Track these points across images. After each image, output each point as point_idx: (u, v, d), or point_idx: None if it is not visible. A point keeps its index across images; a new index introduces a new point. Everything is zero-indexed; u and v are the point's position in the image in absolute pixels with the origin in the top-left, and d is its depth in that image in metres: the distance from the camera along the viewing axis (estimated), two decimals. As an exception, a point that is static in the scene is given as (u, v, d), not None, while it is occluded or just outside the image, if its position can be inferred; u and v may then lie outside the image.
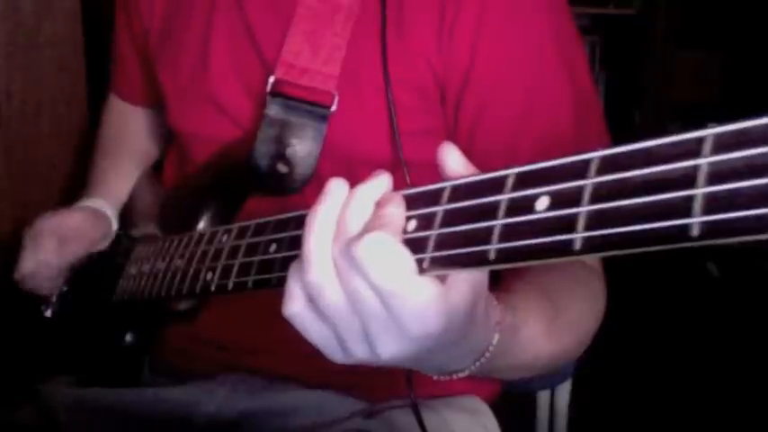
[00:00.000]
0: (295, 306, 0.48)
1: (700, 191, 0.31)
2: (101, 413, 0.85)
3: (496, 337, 0.53)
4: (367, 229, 0.45)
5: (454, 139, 0.76)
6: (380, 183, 0.48)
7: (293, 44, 0.76)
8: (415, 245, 0.44)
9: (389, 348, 0.45)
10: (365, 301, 0.44)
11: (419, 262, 0.43)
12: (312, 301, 0.47)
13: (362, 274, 0.43)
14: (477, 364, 0.54)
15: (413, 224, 0.45)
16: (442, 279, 0.45)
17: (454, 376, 0.55)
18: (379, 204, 0.46)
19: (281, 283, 0.54)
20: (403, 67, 0.74)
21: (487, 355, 0.53)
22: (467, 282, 0.45)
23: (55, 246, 0.91)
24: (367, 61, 0.75)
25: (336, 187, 0.48)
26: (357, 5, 0.75)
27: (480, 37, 0.71)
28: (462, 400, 0.90)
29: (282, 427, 0.82)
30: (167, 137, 1.04)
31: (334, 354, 0.49)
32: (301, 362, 0.87)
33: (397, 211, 0.46)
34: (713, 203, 0.31)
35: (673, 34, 3.26)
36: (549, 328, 0.61)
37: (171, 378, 0.90)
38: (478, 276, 0.46)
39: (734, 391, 2.02)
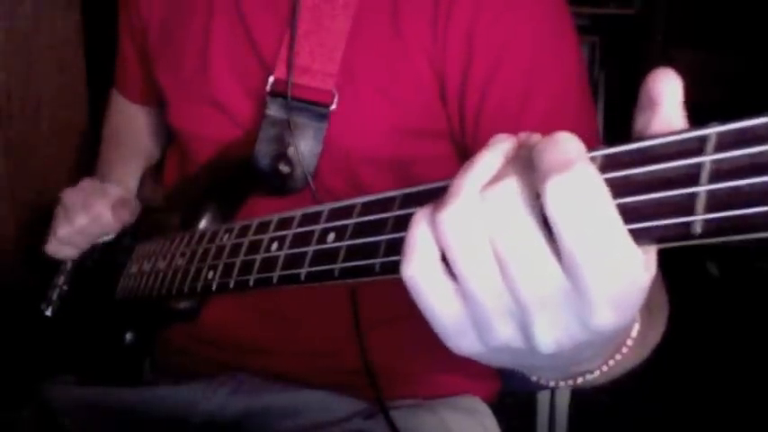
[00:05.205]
0: (414, 264, 0.35)
1: (703, 188, 0.31)
2: (101, 413, 0.85)
3: (636, 327, 0.44)
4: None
5: (462, 133, 0.76)
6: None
7: (292, 44, 0.76)
8: None
9: (553, 335, 0.33)
10: (540, 262, 0.32)
11: None
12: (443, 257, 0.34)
13: (557, 215, 0.31)
14: (612, 362, 0.44)
15: None
16: None
17: (579, 380, 0.44)
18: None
19: (282, 281, 0.54)
20: (401, 65, 0.74)
21: (624, 350, 0.44)
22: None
23: (107, 203, 0.88)
24: (365, 59, 0.75)
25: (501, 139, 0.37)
26: (355, 4, 0.75)
27: (476, 29, 0.71)
28: (461, 399, 0.90)
29: (282, 427, 0.82)
30: (168, 136, 1.04)
31: (461, 339, 0.36)
32: (302, 362, 0.87)
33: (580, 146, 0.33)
34: (716, 201, 0.31)
35: (673, 34, 3.26)
36: (644, 329, 0.50)
37: (172, 378, 0.90)
38: None
39: (733, 391, 2.02)
